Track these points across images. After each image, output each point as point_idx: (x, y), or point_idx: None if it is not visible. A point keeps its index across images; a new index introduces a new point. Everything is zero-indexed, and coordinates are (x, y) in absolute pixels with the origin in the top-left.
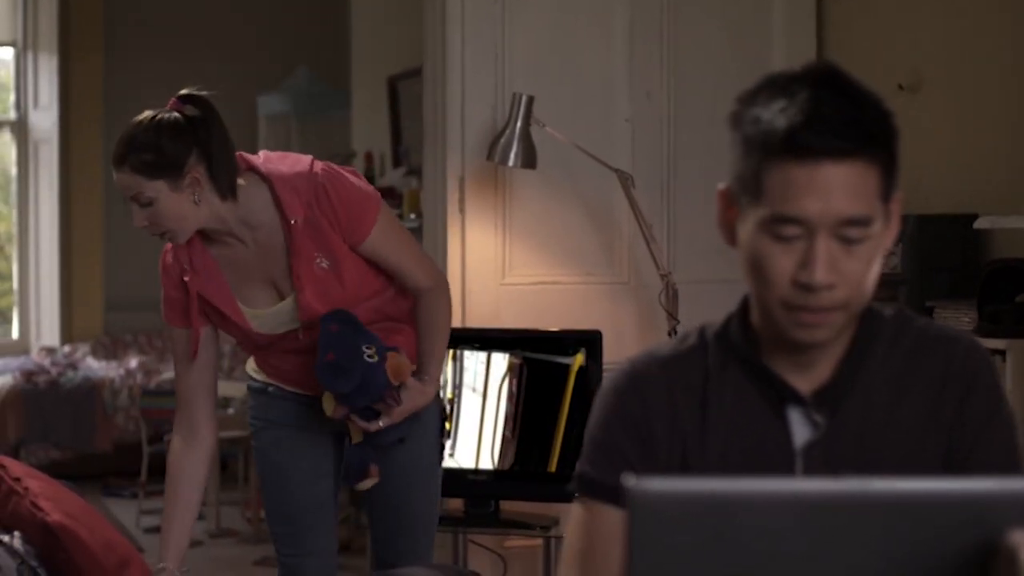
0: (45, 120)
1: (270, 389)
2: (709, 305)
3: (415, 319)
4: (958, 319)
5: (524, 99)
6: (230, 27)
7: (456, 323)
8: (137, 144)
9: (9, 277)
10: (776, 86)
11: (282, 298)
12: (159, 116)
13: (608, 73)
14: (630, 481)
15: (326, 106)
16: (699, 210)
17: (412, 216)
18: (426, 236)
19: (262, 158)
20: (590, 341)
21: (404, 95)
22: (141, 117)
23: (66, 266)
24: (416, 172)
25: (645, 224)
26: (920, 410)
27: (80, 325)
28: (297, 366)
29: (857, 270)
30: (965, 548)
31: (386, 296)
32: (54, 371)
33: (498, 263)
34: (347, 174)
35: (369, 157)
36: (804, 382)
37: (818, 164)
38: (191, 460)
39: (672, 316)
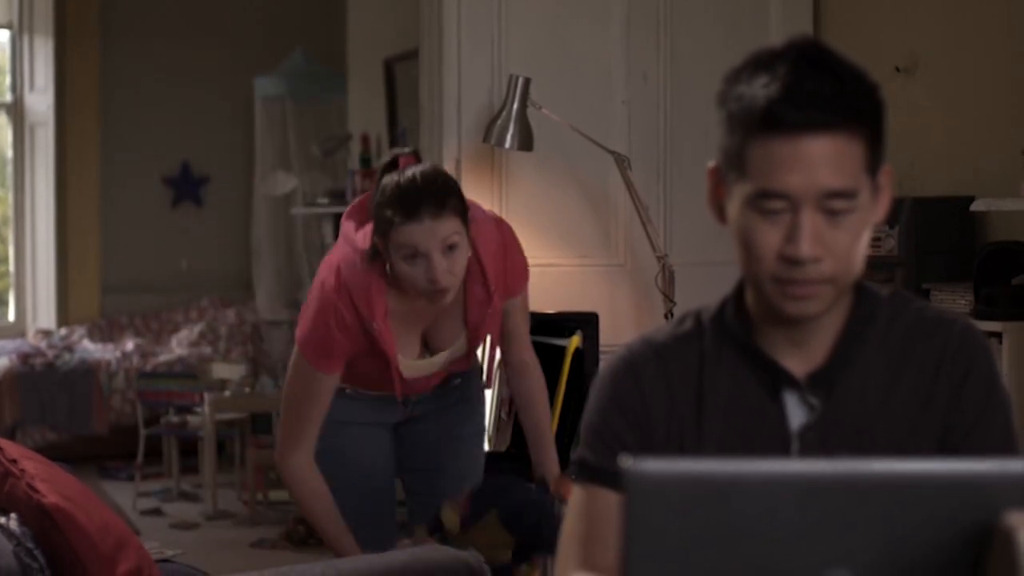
0: (41, 102)
1: (348, 391)
2: (705, 287)
3: (518, 391)
4: (954, 302)
5: (521, 81)
6: (226, 9)
7: None
8: (449, 188)
9: (5, 260)
10: (759, 63)
11: (426, 347)
12: (429, 169)
13: (605, 55)
14: (627, 462)
15: (322, 88)
16: (695, 192)
17: None
18: None
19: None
20: (586, 323)
21: (400, 77)
22: (421, 170)
23: (62, 248)
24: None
25: (641, 206)
26: (915, 392)
27: (76, 307)
28: (381, 369)
29: (843, 242)
30: (961, 529)
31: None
32: (50, 354)
33: None
34: (513, 234)
35: (365, 139)
36: (799, 364)
37: (799, 137)
38: (320, 481)
39: (668, 298)
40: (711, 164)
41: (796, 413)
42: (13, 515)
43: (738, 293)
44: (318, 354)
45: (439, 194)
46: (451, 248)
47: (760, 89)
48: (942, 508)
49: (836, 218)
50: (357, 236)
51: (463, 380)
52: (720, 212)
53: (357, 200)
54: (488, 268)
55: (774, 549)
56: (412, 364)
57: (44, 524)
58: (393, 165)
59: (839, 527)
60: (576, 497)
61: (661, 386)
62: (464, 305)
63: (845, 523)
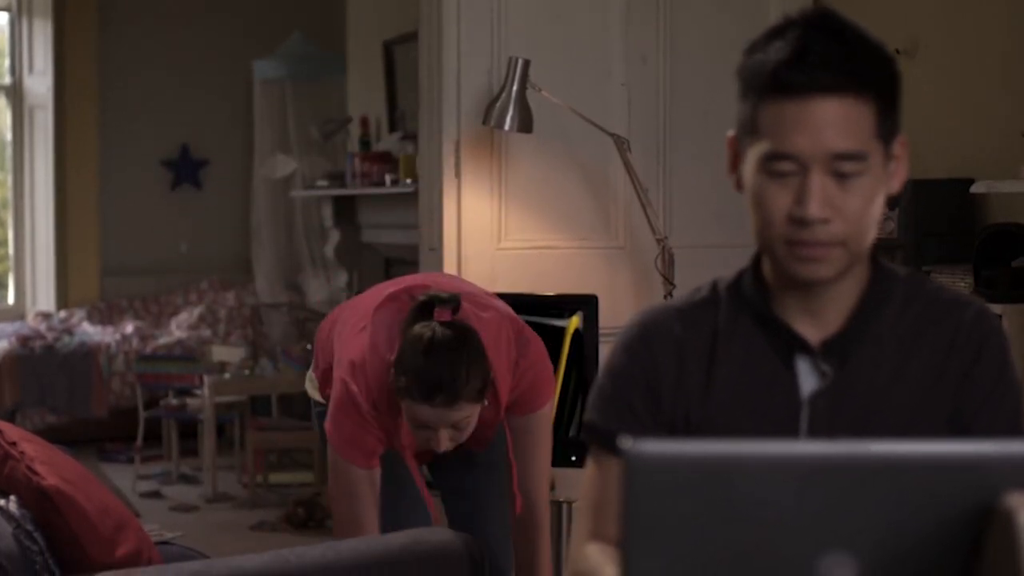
0: (40, 85)
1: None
2: (705, 269)
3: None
4: (954, 284)
5: (520, 63)
6: None
7: None
8: (470, 373)
9: (5, 242)
10: (774, 32)
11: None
12: (447, 337)
13: (604, 37)
14: (626, 443)
15: (321, 71)
16: (695, 174)
17: (408, 181)
18: (422, 201)
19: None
20: (586, 305)
21: (400, 59)
22: (446, 344)
23: (62, 231)
24: (412, 137)
25: (641, 188)
26: (927, 371)
27: (76, 290)
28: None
29: (854, 205)
30: (962, 511)
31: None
32: (50, 336)
33: (494, 228)
34: (543, 353)
35: (365, 122)
36: (814, 332)
37: (807, 99)
38: None
39: (668, 280)
40: (730, 133)
41: (808, 380)
42: (13, 497)
43: (756, 263)
44: (359, 452)
45: (456, 383)
46: (460, 426)
47: (772, 54)
48: (942, 490)
49: (846, 181)
50: (383, 342)
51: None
52: (739, 181)
53: (395, 293)
54: (500, 385)
55: (774, 531)
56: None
57: (44, 506)
58: (427, 308)
59: (839, 509)
60: (589, 465)
61: (672, 352)
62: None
63: (846, 505)
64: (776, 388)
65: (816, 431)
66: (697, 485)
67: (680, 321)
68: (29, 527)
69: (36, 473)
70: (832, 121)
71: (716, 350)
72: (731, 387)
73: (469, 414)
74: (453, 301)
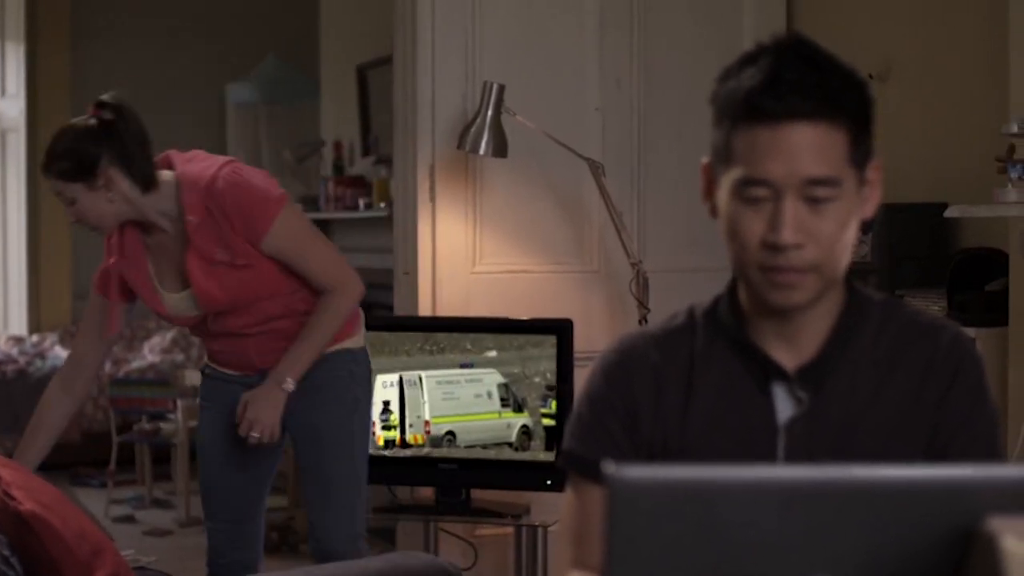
0: (12, 108)
1: (207, 370)
2: (679, 293)
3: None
4: (927, 308)
5: (495, 88)
6: (199, 15)
7: (427, 311)
8: (57, 153)
9: None
10: (747, 58)
11: (188, 286)
12: (75, 123)
13: (578, 61)
14: (609, 468)
15: (295, 94)
16: (669, 199)
17: (382, 205)
18: (396, 225)
19: (183, 158)
20: (560, 329)
21: (373, 84)
22: (62, 128)
23: (34, 255)
24: (385, 161)
25: (615, 213)
26: (904, 394)
27: (48, 314)
28: (225, 348)
29: (827, 231)
30: (943, 535)
31: (301, 295)
32: (22, 360)
33: (468, 252)
34: (252, 176)
35: (338, 146)
36: (789, 359)
37: (779, 125)
38: (63, 408)
39: (642, 304)
40: (704, 160)
41: (784, 406)
42: None
43: (731, 289)
44: (98, 275)
45: (44, 160)
46: (70, 203)
47: (745, 81)
48: (924, 513)
49: (819, 206)
50: None
51: (309, 371)
52: (713, 207)
53: None
54: (188, 215)
55: (757, 556)
56: (169, 297)
57: (20, 531)
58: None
59: (822, 533)
60: (568, 493)
61: (650, 378)
62: (185, 248)
63: (827, 529)
64: (753, 414)
65: (793, 457)
66: (680, 509)
67: (657, 347)
68: (6, 552)
69: (13, 498)
70: (806, 147)
71: (693, 376)
72: (708, 413)
73: (67, 193)
74: (104, 103)
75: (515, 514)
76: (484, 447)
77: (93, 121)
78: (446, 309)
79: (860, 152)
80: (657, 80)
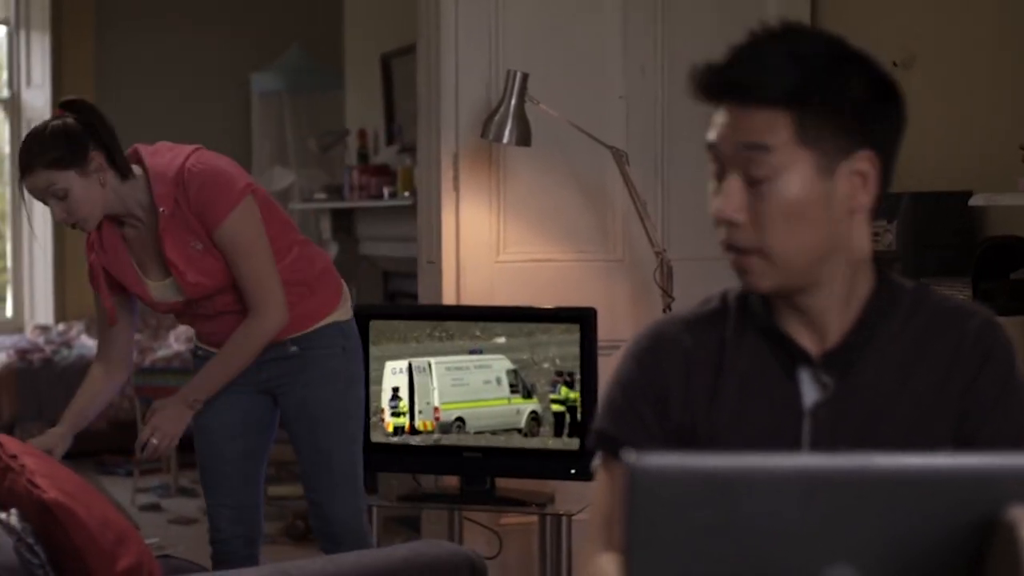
0: (38, 98)
1: (199, 352)
2: (703, 282)
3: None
4: (953, 296)
5: (518, 76)
6: (224, 4)
7: (451, 300)
8: (42, 146)
9: (3, 255)
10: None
11: (171, 274)
12: (50, 123)
13: (602, 49)
14: (630, 457)
15: (319, 84)
16: (693, 187)
17: (406, 194)
18: (420, 214)
19: (149, 150)
20: (584, 318)
21: (397, 72)
22: (34, 127)
23: (60, 244)
24: (409, 150)
25: (639, 201)
26: (932, 381)
27: (74, 303)
28: (213, 328)
29: (767, 214)
30: (964, 524)
31: (281, 265)
32: (48, 349)
33: (492, 241)
34: (218, 164)
35: (363, 135)
36: (815, 344)
37: (725, 102)
38: (107, 386)
39: (666, 293)
40: None
41: (810, 392)
42: (14, 510)
43: None
44: (89, 275)
45: (24, 160)
46: (62, 197)
47: (713, 60)
48: (945, 503)
49: (759, 187)
50: None
51: (302, 348)
52: None
53: None
54: (158, 205)
55: (777, 545)
56: (154, 285)
57: (44, 519)
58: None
59: (842, 522)
60: (599, 476)
61: (680, 362)
62: (160, 239)
63: (848, 518)
64: (779, 400)
65: (818, 442)
66: (700, 498)
67: (688, 332)
68: (30, 540)
69: (37, 486)
70: (748, 118)
71: (723, 361)
72: (736, 398)
73: (59, 184)
74: (67, 103)
75: (539, 503)
76: (494, 433)
77: (67, 118)
78: (470, 298)
79: (809, 135)
80: (682, 68)
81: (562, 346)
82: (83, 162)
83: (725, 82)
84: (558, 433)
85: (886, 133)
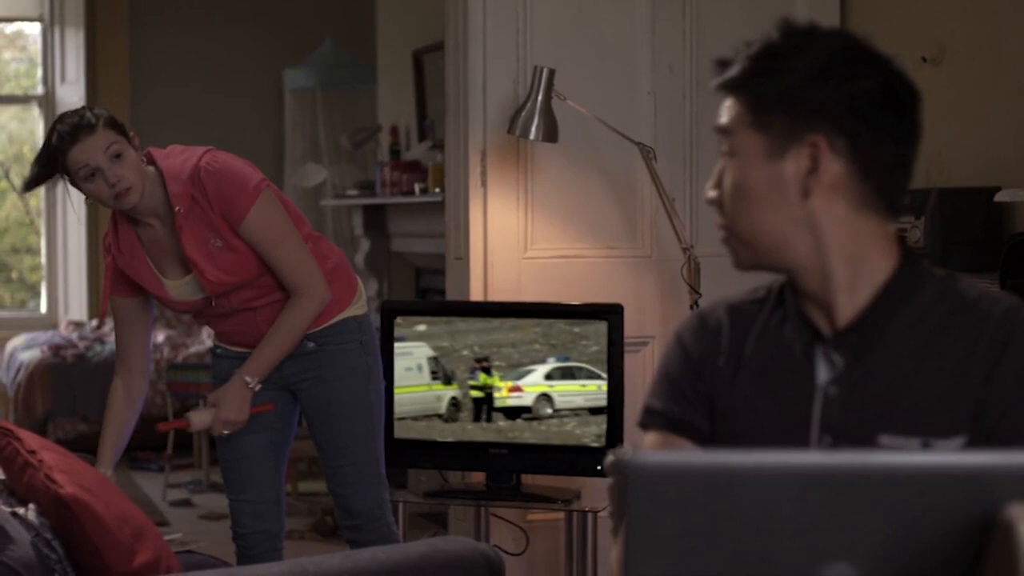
0: (72, 95)
1: (218, 351)
2: (731, 279)
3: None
4: None
5: (545, 72)
6: (255, 1)
7: (478, 296)
8: (94, 112)
9: (37, 252)
10: None
11: (190, 272)
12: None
13: (630, 45)
14: (626, 454)
15: (352, 79)
16: None
17: (437, 190)
18: (448, 210)
19: (162, 153)
20: (611, 314)
21: (429, 68)
22: (71, 109)
23: (93, 240)
24: (440, 146)
25: (667, 197)
26: (950, 366)
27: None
28: (233, 327)
29: (727, 194)
30: (962, 522)
31: None
32: (81, 345)
33: (520, 237)
34: (232, 163)
35: (395, 131)
36: (828, 326)
37: (723, 92)
38: (129, 399)
39: (694, 290)
40: None
41: (824, 369)
42: (32, 506)
43: None
44: (104, 278)
45: (81, 123)
46: (116, 157)
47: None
48: (943, 500)
49: (728, 160)
50: None
51: (320, 344)
52: None
53: None
54: (175, 205)
55: (774, 541)
56: (172, 284)
57: (62, 515)
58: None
59: (840, 519)
60: (648, 441)
61: (714, 339)
62: (178, 238)
63: (846, 515)
64: (794, 378)
65: (828, 419)
66: (699, 495)
67: (728, 313)
68: (48, 535)
69: (54, 482)
70: (727, 108)
71: (748, 341)
72: (755, 376)
73: (117, 145)
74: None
75: (566, 499)
76: (415, 419)
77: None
78: (498, 294)
79: (764, 119)
80: (710, 64)
81: (480, 335)
82: (128, 135)
83: (718, 74)
84: (476, 419)
85: (840, 115)
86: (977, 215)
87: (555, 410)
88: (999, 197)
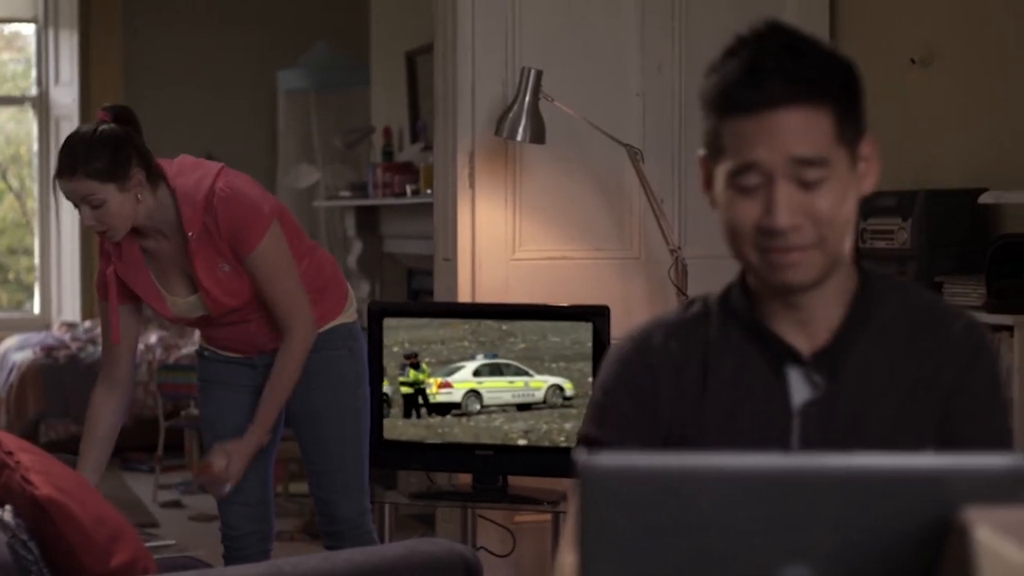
0: (66, 96)
1: (206, 353)
2: (718, 281)
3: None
4: (966, 295)
5: (532, 74)
6: (249, 2)
7: (466, 298)
8: (88, 153)
9: (31, 252)
10: (729, 51)
11: (195, 289)
12: (99, 128)
13: (619, 47)
14: (581, 457)
15: (345, 81)
16: None
17: (429, 191)
18: (436, 211)
19: (175, 168)
20: (598, 316)
21: (422, 70)
22: (81, 130)
23: (87, 241)
24: (432, 147)
25: (655, 199)
26: (917, 380)
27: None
28: (227, 335)
29: (822, 206)
30: (919, 525)
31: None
32: (74, 346)
33: (508, 238)
34: (245, 189)
35: (388, 132)
36: (804, 343)
37: (762, 114)
38: (110, 408)
39: (682, 291)
40: (700, 153)
41: (799, 390)
42: (8, 507)
43: (743, 276)
44: (98, 282)
45: (67, 161)
46: (97, 206)
47: (727, 75)
48: (900, 503)
49: (811, 188)
50: None
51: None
52: (713, 200)
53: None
54: (188, 230)
55: (731, 544)
56: (175, 301)
57: (38, 516)
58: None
59: (796, 522)
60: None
61: (669, 365)
62: (188, 256)
63: (802, 518)
64: (768, 399)
65: (808, 441)
66: (653, 497)
67: (673, 336)
68: (24, 536)
69: (30, 483)
70: (790, 128)
71: (708, 362)
72: (724, 399)
73: (98, 195)
74: (113, 108)
75: (552, 500)
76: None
77: (113, 125)
78: (486, 295)
79: (849, 130)
80: (699, 65)
81: (410, 331)
82: (125, 178)
83: (761, 92)
84: (407, 415)
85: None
86: (963, 217)
87: (483, 406)
88: (984, 199)
